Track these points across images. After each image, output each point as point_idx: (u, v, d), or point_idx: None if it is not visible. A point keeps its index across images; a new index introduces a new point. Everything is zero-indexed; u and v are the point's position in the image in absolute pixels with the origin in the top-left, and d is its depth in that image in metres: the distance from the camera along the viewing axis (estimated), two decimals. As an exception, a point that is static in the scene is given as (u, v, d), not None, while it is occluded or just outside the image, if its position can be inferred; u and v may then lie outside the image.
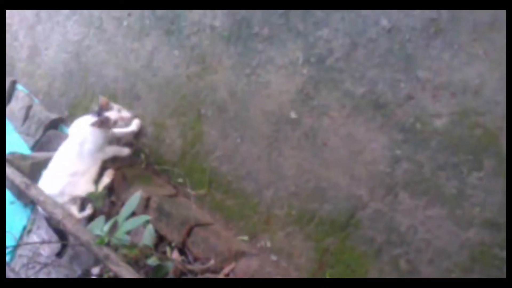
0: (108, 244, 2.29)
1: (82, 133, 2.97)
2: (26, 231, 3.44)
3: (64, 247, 3.06)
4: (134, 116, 3.17)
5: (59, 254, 3.08)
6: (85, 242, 2.31)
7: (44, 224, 3.19)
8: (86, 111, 3.40)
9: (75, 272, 2.98)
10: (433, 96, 2.02)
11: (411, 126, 2.08)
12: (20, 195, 3.47)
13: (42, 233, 3.24)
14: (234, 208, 2.65)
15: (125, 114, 3.00)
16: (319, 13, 2.39)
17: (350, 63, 2.28)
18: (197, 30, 2.91)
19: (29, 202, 3.42)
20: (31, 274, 2.90)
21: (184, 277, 2.41)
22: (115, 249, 2.30)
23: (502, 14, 1.85)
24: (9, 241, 3.00)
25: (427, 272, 2.00)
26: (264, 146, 2.56)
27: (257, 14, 2.62)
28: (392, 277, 2.09)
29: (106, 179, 3.04)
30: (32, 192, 2.64)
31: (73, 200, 2.99)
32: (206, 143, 2.82)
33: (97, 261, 2.78)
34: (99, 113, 2.91)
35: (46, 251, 3.15)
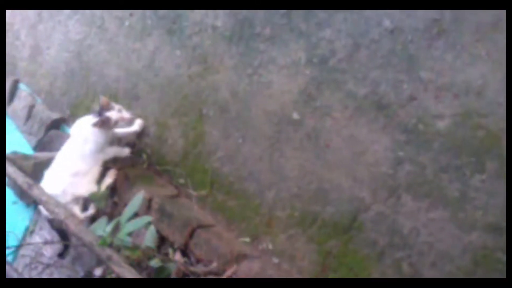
0: (110, 245, 2.29)
1: (83, 133, 2.97)
2: (29, 231, 3.44)
3: (66, 248, 3.06)
4: (136, 116, 3.17)
5: (61, 255, 3.08)
6: (88, 243, 2.31)
7: (46, 225, 3.19)
8: (87, 110, 3.40)
9: (78, 273, 2.99)
10: (436, 97, 2.01)
11: (413, 127, 2.07)
12: (23, 195, 3.46)
13: (44, 233, 3.25)
14: (236, 209, 2.65)
15: (126, 114, 3.00)
16: (321, 14, 2.38)
17: (353, 63, 2.27)
18: (199, 30, 2.90)
19: (32, 202, 3.42)
20: (34, 275, 2.90)
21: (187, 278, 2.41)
22: (118, 250, 2.30)
23: (505, 14, 1.83)
24: (12, 241, 2.99)
25: (429, 275, 1.99)
26: (266, 146, 2.56)
27: (259, 14, 2.61)
28: (395, 279, 2.09)
29: (108, 179, 3.04)
30: (35, 192, 2.63)
31: (76, 200, 2.99)
32: (208, 143, 2.81)
33: (99, 262, 2.78)
34: (100, 113, 2.91)
35: (49, 252, 3.15)
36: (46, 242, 3.09)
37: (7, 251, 2.81)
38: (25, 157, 3.41)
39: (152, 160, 3.11)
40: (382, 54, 2.18)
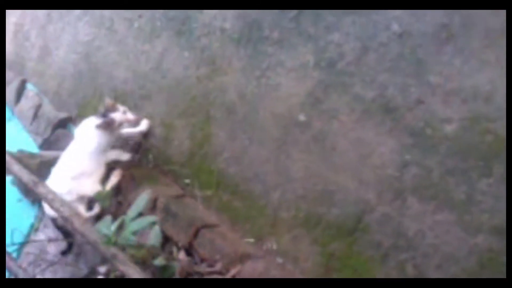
0: (115, 244, 2.29)
1: (87, 134, 2.99)
2: (33, 229, 3.45)
3: (70, 246, 3.07)
4: (143, 117, 3.19)
5: (64, 253, 3.09)
6: (93, 241, 2.31)
7: (51, 223, 3.20)
8: (95, 111, 3.42)
9: (81, 271, 2.99)
10: (444, 101, 2.01)
11: (420, 131, 2.07)
12: (28, 192, 3.48)
13: (49, 231, 3.25)
14: (241, 209, 2.65)
15: (130, 116, 3.02)
16: (330, 18, 2.39)
17: (361, 67, 2.27)
18: (207, 32, 2.92)
19: (36, 200, 3.43)
20: (37, 272, 2.90)
21: (190, 278, 2.41)
22: (122, 248, 2.30)
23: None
24: (17, 238, 3.00)
25: (434, 277, 1.99)
26: (272, 148, 2.56)
27: (268, 18, 2.63)
28: (399, 282, 2.08)
29: (113, 179, 3.05)
30: (40, 190, 2.64)
31: (80, 199, 3.00)
32: (215, 144, 2.82)
33: (103, 260, 2.78)
34: (104, 114, 2.92)
35: (53, 249, 3.16)
36: (50, 240, 3.09)
37: (12, 248, 2.82)
38: (31, 155, 3.42)
39: (158, 160, 3.12)
40: (390, 58, 2.18)
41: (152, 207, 2.73)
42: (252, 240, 2.56)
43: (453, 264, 1.94)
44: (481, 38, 1.94)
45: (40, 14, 4.39)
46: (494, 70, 1.90)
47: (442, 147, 2.01)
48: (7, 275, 2.64)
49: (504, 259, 1.81)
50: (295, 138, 2.48)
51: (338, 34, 2.36)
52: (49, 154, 3.48)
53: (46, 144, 3.83)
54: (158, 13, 3.23)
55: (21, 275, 2.37)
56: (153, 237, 2.45)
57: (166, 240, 2.64)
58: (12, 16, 4.84)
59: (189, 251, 2.59)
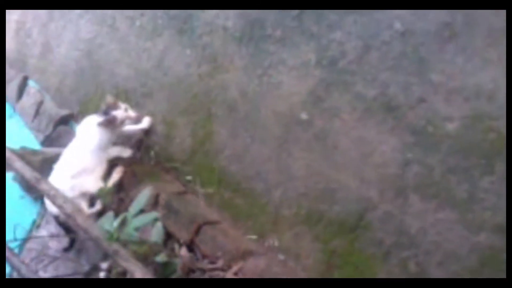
0: (117, 240, 2.30)
1: (88, 131, 2.99)
2: (36, 225, 3.46)
3: (72, 243, 3.08)
4: (144, 115, 3.20)
5: (67, 250, 3.10)
6: (95, 238, 2.32)
7: (53, 219, 3.21)
8: (96, 108, 3.42)
9: (83, 267, 3.00)
10: (446, 100, 2.02)
11: (422, 129, 2.08)
12: (30, 189, 3.48)
13: (51, 227, 3.26)
14: (242, 207, 2.66)
15: (132, 113, 3.03)
16: (332, 16, 2.40)
17: (363, 65, 2.28)
18: (209, 30, 2.93)
19: (39, 197, 3.44)
20: (40, 268, 2.91)
21: (192, 274, 2.42)
22: (124, 245, 2.31)
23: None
24: (19, 234, 3.00)
25: (436, 274, 2.00)
26: (274, 146, 2.57)
27: (270, 16, 2.63)
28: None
29: (115, 176, 3.06)
30: (43, 187, 2.64)
31: (83, 195, 3.00)
32: (216, 142, 2.83)
33: (105, 256, 2.79)
34: (106, 112, 2.93)
35: (55, 245, 3.17)
36: (52, 236, 3.10)
37: (14, 244, 2.82)
38: (33, 152, 3.43)
39: (159, 158, 3.13)
40: (392, 56, 2.19)
41: (154, 203, 2.74)
42: (254, 237, 2.57)
43: (455, 262, 1.95)
44: (483, 37, 1.95)
45: (42, 11, 4.39)
46: (496, 69, 1.90)
47: (444, 145, 2.02)
48: (10, 271, 2.65)
49: (505, 256, 1.82)
50: (296, 136, 2.49)
51: (340, 33, 2.37)
52: (51, 151, 3.49)
53: (48, 141, 3.83)
54: (160, 11, 3.23)
55: (24, 270, 2.38)
56: (155, 234, 2.46)
57: (168, 236, 2.65)
58: (14, 14, 4.84)
59: (191, 248, 2.59)
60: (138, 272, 2.13)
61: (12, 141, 3.32)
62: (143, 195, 2.45)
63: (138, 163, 3.18)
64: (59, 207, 2.52)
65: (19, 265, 2.41)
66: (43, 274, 2.74)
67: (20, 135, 4.07)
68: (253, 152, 2.66)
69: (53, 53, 4.22)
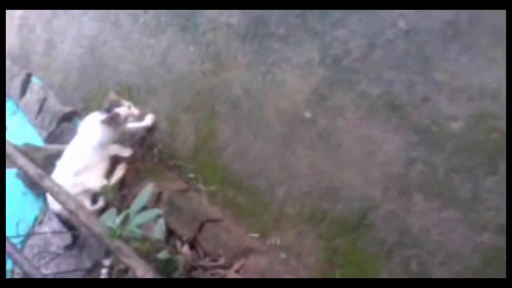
0: (119, 237, 2.30)
1: (91, 128, 2.99)
2: (38, 222, 3.46)
3: (74, 240, 3.08)
4: (147, 112, 3.20)
5: (69, 247, 3.10)
6: (98, 234, 2.32)
7: (55, 216, 3.21)
8: (100, 105, 3.42)
9: (85, 264, 3.00)
10: (450, 99, 2.01)
11: (426, 128, 2.07)
12: (32, 185, 3.49)
13: (53, 224, 3.26)
14: (245, 205, 2.66)
15: (135, 111, 3.02)
16: (336, 14, 2.39)
17: (367, 64, 2.27)
18: (213, 27, 2.92)
19: (41, 193, 3.44)
20: (42, 264, 2.91)
21: (194, 272, 2.42)
22: (126, 242, 2.31)
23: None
24: (22, 230, 3.01)
25: (438, 274, 1.99)
26: (277, 144, 2.57)
27: (274, 14, 2.63)
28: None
29: (118, 173, 3.06)
30: (46, 183, 2.64)
31: (85, 192, 3.00)
32: (219, 139, 2.83)
33: (107, 254, 2.79)
34: (109, 109, 2.93)
35: (57, 242, 3.17)
36: (54, 232, 3.10)
37: (17, 240, 2.83)
38: (37, 149, 3.44)
39: (162, 155, 3.13)
40: (396, 55, 2.18)
41: (156, 201, 2.75)
42: (256, 235, 2.57)
43: (457, 262, 1.95)
44: (488, 36, 1.94)
45: (46, 8, 4.40)
46: (501, 68, 1.89)
47: (448, 145, 2.01)
48: (12, 267, 2.66)
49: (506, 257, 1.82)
50: (300, 135, 2.48)
51: (344, 31, 2.36)
52: (54, 147, 3.49)
53: (51, 138, 3.84)
54: (164, 8, 3.23)
55: (27, 266, 2.38)
56: (158, 231, 2.45)
57: (170, 234, 2.65)
58: (17, 10, 4.84)
59: (193, 245, 2.60)
60: (140, 269, 2.12)
61: (16, 138, 3.32)
62: (146, 192, 2.44)
63: (141, 160, 3.18)
64: (62, 203, 2.52)
65: (21, 261, 2.41)
66: (44, 271, 2.74)
67: (24, 131, 4.07)
68: (256, 150, 2.65)
69: (56, 49, 4.22)
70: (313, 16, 2.48)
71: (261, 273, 2.35)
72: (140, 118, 3.16)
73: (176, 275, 2.35)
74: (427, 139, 2.07)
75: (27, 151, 3.24)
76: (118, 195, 3.04)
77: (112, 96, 2.98)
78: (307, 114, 2.46)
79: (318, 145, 2.41)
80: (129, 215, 2.35)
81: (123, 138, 3.17)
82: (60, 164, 3.08)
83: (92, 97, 3.75)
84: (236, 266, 2.39)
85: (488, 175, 1.90)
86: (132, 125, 3.11)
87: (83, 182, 2.98)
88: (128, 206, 2.50)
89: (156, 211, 2.42)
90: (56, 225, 3.23)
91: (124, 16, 3.55)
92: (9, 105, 4.44)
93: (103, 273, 2.81)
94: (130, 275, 2.34)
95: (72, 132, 3.39)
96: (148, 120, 3.18)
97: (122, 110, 2.94)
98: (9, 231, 2.72)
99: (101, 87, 3.68)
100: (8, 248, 2.44)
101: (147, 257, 2.32)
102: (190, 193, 2.87)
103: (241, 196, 2.68)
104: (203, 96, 2.94)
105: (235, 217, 2.67)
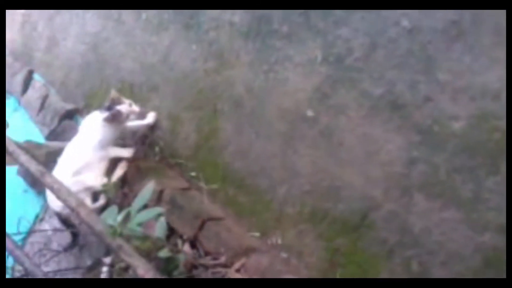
0: (120, 235, 2.29)
1: (92, 127, 2.99)
2: (39, 219, 3.46)
3: (74, 240, 3.08)
4: (149, 110, 3.20)
5: (69, 247, 3.09)
6: (98, 232, 2.31)
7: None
8: (102, 102, 3.42)
9: (85, 262, 3.00)
10: (452, 99, 2.01)
11: (428, 128, 2.06)
12: (34, 183, 3.49)
13: (54, 222, 3.26)
14: (246, 204, 2.66)
15: (136, 108, 3.02)
16: (339, 12, 2.38)
17: (369, 63, 2.27)
18: (216, 25, 2.92)
19: (42, 191, 3.44)
20: (42, 262, 2.92)
21: (195, 270, 2.41)
22: (127, 240, 2.31)
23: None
24: (23, 228, 3.02)
25: (439, 274, 1.99)
26: (279, 143, 2.56)
27: (277, 12, 2.62)
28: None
29: (119, 171, 3.05)
30: (47, 180, 2.64)
31: (86, 190, 3.00)
32: (221, 138, 2.82)
33: (108, 252, 2.79)
34: (110, 107, 2.92)
35: (58, 239, 3.17)
36: (55, 230, 3.10)
37: (18, 238, 2.83)
38: (38, 146, 3.44)
39: (164, 153, 3.13)
40: (399, 54, 2.17)
41: (158, 199, 2.74)
42: (257, 234, 2.57)
43: (459, 262, 1.94)
44: (491, 36, 1.93)
45: (48, 5, 4.39)
46: (503, 68, 1.88)
47: (450, 145, 2.00)
48: (12, 264, 2.66)
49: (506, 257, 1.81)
50: (302, 133, 2.48)
51: (347, 29, 2.35)
52: (55, 144, 3.49)
53: (53, 135, 3.83)
54: (166, 5, 3.22)
55: (28, 264, 2.38)
56: (159, 229, 2.45)
57: (171, 232, 2.65)
58: (20, 7, 4.84)
59: (193, 244, 2.60)
60: (141, 267, 2.12)
61: (17, 135, 3.32)
62: (147, 190, 2.44)
63: (143, 158, 3.17)
64: (63, 201, 2.52)
65: (23, 258, 2.41)
66: (45, 269, 2.74)
67: (25, 128, 4.07)
68: (258, 148, 2.65)
69: (58, 46, 4.22)
70: (316, 14, 2.47)
71: (262, 273, 2.35)
72: (142, 116, 3.15)
73: (176, 273, 2.35)
74: (429, 138, 2.06)
75: (29, 148, 3.24)
76: (119, 193, 3.04)
77: (113, 94, 2.97)
78: (309, 113, 2.46)
79: (320, 143, 2.41)
80: (130, 213, 2.35)
81: (125, 136, 3.17)
82: (60, 162, 3.07)
83: (94, 95, 3.75)
84: (237, 265, 2.39)
85: (490, 175, 1.89)
86: (133, 123, 3.10)
87: (83, 180, 2.98)
88: (129, 204, 2.49)
89: (157, 210, 2.41)
90: (57, 223, 3.23)
91: (126, 13, 3.54)
92: (11, 102, 4.44)
93: (104, 271, 2.81)
94: (130, 273, 2.34)
95: (74, 129, 3.39)
96: (150, 118, 3.18)
97: (124, 107, 2.94)
98: (10, 228, 2.72)
99: (103, 84, 3.68)
100: (9, 245, 2.45)
101: (147, 255, 2.32)
102: (191, 191, 2.86)
103: (242, 194, 2.67)
104: (205, 94, 2.94)
105: (236, 216, 2.67)
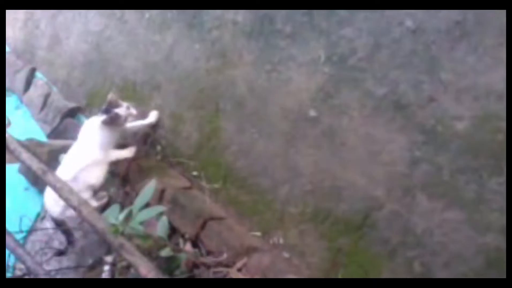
0: (122, 234, 2.29)
1: (92, 131, 2.98)
2: (40, 218, 3.46)
3: (70, 243, 3.06)
4: (152, 108, 3.20)
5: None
6: (100, 230, 2.31)
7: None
8: (104, 101, 3.42)
9: (87, 260, 3.00)
10: (456, 99, 2.00)
11: (431, 128, 2.06)
12: (35, 181, 3.49)
13: (55, 220, 3.26)
14: (248, 203, 2.65)
15: (134, 111, 3.01)
16: (342, 12, 2.38)
17: (373, 63, 2.26)
18: (219, 24, 2.91)
19: (44, 189, 3.44)
20: (43, 260, 2.91)
21: (196, 269, 2.41)
22: (129, 238, 2.31)
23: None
24: (25, 226, 3.01)
25: (441, 275, 1.98)
26: (281, 143, 2.56)
27: (280, 11, 2.61)
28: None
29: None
30: (49, 178, 2.64)
31: (88, 188, 3.00)
32: (223, 137, 2.82)
33: (109, 250, 2.79)
34: (107, 110, 2.91)
35: (59, 238, 3.17)
36: (56, 228, 3.09)
37: (20, 235, 2.83)
38: (40, 144, 3.44)
39: (166, 152, 3.13)
40: (403, 54, 2.17)
41: (160, 198, 2.74)
42: (259, 233, 2.57)
43: (461, 263, 1.94)
44: (494, 36, 1.92)
45: (51, 3, 4.40)
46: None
47: (453, 145, 2.00)
48: (14, 262, 2.66)
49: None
50: (304, 133, 2.47)
51: (351, 29, 2.35)
52: (57, 142, 3.50)
53: (54, 133, 3.84)
54: (169, 4, 3.22)
55: (29, 262, 2.38)
56: (161, 228, 2.45)
57: (173, 231, 2.65)
58: (23, 5, 4.84)
59: (195, 243, 2.59)
60: (143, 266, 2.12)
61: (19, 133, 3.33)
62: (149, 189, 2.43)
63: (144, 157, 3.17)
64: (65, 199, 2.51)
65: (24, 256, 2.41)
66: (46, 267, 2.73)
67: (27, 126, 4.08)
68: (260, 148, 2.65)
69: (61, 45, 4.22)
70: (319, 14, 2.46)
71: (263, 272, 2.35)
72: (141, 116, 3.14)
73: (178, 272, 2.35)
74: (432, 139, 2.06)
75: (31, 146, 3.25)
76: (122, 192, 3.04)
77: (111, 96, 2.96)
78: (312, 113, 2.46)
79: (322, 143, 2.41)
80: (132, 212, 2.35)
81: (125, 138, 3.16)
82: (62, 166, 3.06)
83: (96, 93, 3.75)
84: (238, 264, 2.39)
85: (493, 175, 1.89)
86: (133, 123, 3.09)
87: (85, 178, 2.97)
88: (131, 203, 2.49)
89: (159, 208, 2.41)
90: (57, 221, 3.22)
91: (129, 12, 3.54)
92: (13, 100, 4.44)
93: (106, 270, 2.81)
94: (132, 272, 2.33)
95: (76, 128, 3.39)
96: (152, 117, 3.18)
97: (121, 110, 2.93)
98: (12, 226, 2.72)
99: (105, 83, 3.68)
100: (11, 243, 2.44)
101: (149, 254, 2.32)
102: (193, 190, 2.87)
103: (244, 194, 2.67)
104: (208, 93, 2.94)
105: (238, 215, 2.67)
